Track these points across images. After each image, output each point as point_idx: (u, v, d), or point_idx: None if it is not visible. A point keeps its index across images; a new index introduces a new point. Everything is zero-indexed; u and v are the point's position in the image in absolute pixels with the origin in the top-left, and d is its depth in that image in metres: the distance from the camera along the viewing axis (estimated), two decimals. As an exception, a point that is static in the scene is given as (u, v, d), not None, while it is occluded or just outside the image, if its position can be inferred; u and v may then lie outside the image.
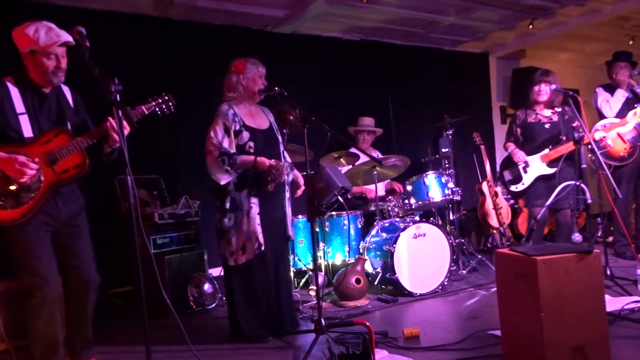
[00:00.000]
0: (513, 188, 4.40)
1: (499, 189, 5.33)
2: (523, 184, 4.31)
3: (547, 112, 4.33)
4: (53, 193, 2.52)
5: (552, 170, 4.19)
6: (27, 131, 2.47)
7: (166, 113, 2.76)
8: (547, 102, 4.35)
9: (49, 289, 2.50)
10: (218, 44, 5.08)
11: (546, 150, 4.25)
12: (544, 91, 4.28)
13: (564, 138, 4.21)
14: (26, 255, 2.48)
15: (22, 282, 2.53)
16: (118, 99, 2.21)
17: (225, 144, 3.09)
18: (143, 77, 4.49)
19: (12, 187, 2.41)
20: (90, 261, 2.70)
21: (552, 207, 4.04)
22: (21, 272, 2.52)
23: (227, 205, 3.13)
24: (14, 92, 2.47)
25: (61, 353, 2.65)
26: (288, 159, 3.45)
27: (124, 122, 2.31)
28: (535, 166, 4.28)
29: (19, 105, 2.46)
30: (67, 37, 2.47)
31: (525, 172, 4.31)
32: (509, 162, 4.50)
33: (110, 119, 2.49)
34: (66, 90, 2.70)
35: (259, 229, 3.10)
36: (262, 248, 3.11)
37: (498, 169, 4.85)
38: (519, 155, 4.31)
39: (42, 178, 2.47)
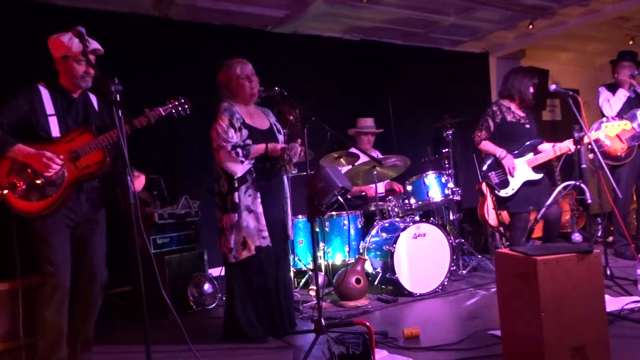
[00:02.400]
0: (503, 193, 4.09)
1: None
2: (513, 189, 4.06)
3: (521, 112, 4.21)
4: (76, 188, 2.67)
5: (539, 176, 4.07)
6: (55, 131, 2.65)
7: (182, 115, 2.87)
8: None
9: (59, 277, 2.61)
10: (218, 44, 5.08)
11: (530, 155, 4.09)
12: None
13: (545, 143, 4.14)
14: (43, 244, 2.62)
15: (39, 271, 2.67)
16: (118, 98, 2.29)
17: (235, 137, 3.10)
18: (143, 77, 4.50)
19: (39, 181, 2.60)
20: (102, 256, 2.81)
21: (537, 208, 3.95)
22: (38, 261, 2.65)
23: (228, 202, 3.14)
24: (45, 95, 2.66)
25: (64, 348, 2.68)
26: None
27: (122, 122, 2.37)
28: (522, 171, 4.08)
29: (49, 107, 2.65)
30: (97, 45, 2.65)
31: (512, 175, 4.07)
32: (491, 163, 4.18)
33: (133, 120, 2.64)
34: (93, 97, 2.87)
35: (264, 224, 3.12)
36: (269, 243, 3.13)
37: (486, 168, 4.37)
38: (511, 168, 4.04)
39: (66, 173, 2.63)
